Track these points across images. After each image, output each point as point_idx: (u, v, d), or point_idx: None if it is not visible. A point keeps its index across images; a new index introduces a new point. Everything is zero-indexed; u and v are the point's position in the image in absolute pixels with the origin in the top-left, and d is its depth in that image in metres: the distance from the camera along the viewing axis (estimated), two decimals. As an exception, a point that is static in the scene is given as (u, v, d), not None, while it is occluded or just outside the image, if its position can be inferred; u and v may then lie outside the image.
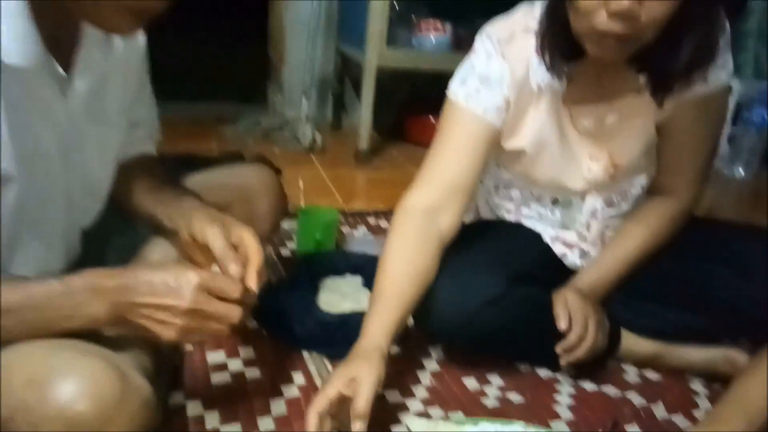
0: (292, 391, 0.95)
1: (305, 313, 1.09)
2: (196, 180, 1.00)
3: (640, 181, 1.05)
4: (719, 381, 1.05)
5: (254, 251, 0.78)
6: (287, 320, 1.07)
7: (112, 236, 0.93)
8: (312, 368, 1.02)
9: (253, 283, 0.75)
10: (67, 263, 0.81)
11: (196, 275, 0.67)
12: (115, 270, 0.67)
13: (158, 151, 0.99)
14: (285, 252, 1.43)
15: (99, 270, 0.66)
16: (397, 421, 0.90)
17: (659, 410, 0.99)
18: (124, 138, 0.87)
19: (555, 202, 1.07)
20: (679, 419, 0.98)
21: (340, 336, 1.06)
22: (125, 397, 0.64)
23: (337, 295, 1.16)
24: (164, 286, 0.66)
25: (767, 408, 0.65)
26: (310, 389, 0.96)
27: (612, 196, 1.05)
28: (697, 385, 1.06)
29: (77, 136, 0.76)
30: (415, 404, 0.95)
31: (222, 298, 0.69)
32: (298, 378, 0.99)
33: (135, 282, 0.66)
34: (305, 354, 1.05)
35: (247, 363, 1.01)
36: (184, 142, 2.04)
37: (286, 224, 1.48)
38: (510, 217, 1.12)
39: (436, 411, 0.94)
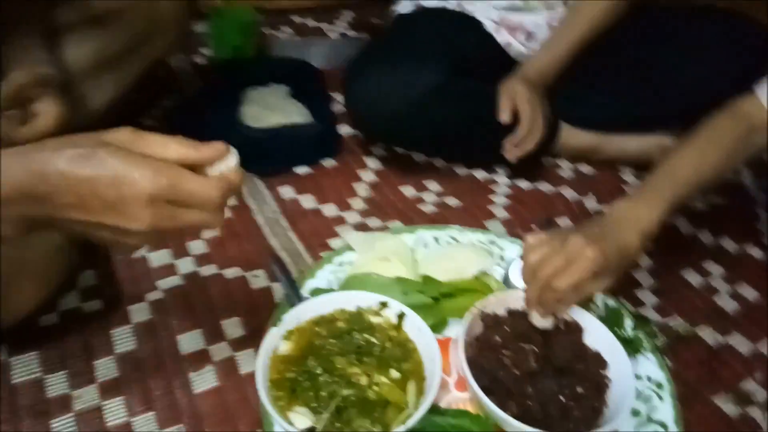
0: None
1: (228, 129, 1.01)
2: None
3: None
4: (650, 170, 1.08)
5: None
6: (207, 138, 0.98)
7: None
8: (242, 188, 0.97)
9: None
10: None
11: (148, 182, 0.42)
12: (19, 150, 0.43)
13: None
14: (199, 60, 1.28)
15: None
16: (335, 235, 0.89)
17: (590, 202, 1.02)
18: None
19: None
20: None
21: (270, 152, 1.00)
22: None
23: (263, 108, 1.07)
24: (99, 200, 0.42)
25: (693, 180, 0.68)
26: (243, 209, 0.92)
27: None
28: (628, 176, 1.08)
29: None
30: (353, 216, 0.94)
31: None
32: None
33: (54, 180, 0.42)
34: (234, 173, 0.99)
35: (172, 187, 0.95)
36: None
37: (199, 27, 1.30)
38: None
39: (374, 221, 0.93)
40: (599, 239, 0.62)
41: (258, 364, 0.61)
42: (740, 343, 0.78)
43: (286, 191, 0.97)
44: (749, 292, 0.86)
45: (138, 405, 0.64)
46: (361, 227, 0.91)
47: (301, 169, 1.01)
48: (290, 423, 0.58)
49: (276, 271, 0.75)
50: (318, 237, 0.88)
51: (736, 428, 0.68)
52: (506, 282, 0.78)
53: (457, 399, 0.66)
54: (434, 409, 0.62)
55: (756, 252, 0.93)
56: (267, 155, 0.99)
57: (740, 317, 0.81)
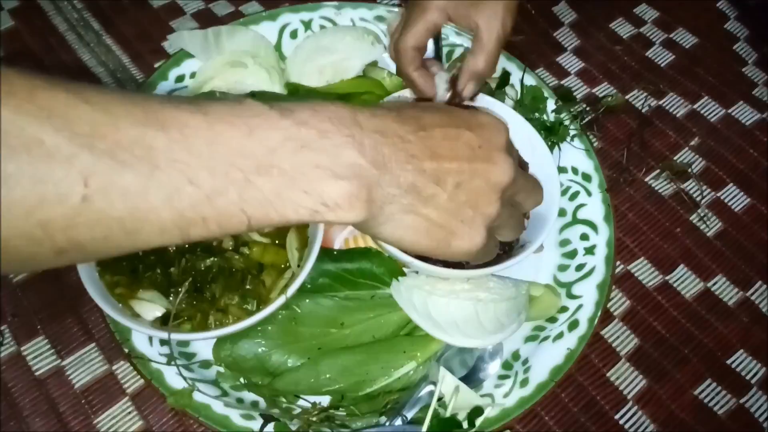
0: None
1: None
2: None
3: None
4: None
5: None
6: None
7: None
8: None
9: None
10: None
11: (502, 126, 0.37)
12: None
13: None
14: None
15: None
16: (171, 33, 0.65)
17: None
18: None
19: None
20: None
21: None
22: None
23: None
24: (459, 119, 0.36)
25: None
26: (32, 12, 0.66)
27: None
28: None
29: None
30: (192, 4, 0.69)
31: None
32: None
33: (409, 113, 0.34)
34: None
35: None
36: None
37: None
38: None
39: (222, 7, 0.69)
40: None
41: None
42: (676, 105, 0.66)
43: (90, -22, 0.69)
44: (687, 39, 0.72)
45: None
46: (206, 18, 0.68)
47: (106, -60, 0.72)
48: (134, 314, 0.45)
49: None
50: (146, 41, 0.65)
51: (669, 208, 0.60)
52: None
53: (356, 233, 0.54)
54: (327, 256, 0.50)
55: (695, -17, 0.77)
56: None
57: (677, 73, 0.69)
